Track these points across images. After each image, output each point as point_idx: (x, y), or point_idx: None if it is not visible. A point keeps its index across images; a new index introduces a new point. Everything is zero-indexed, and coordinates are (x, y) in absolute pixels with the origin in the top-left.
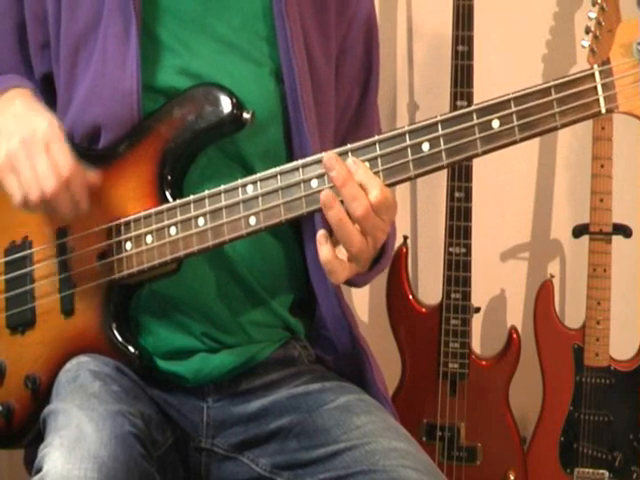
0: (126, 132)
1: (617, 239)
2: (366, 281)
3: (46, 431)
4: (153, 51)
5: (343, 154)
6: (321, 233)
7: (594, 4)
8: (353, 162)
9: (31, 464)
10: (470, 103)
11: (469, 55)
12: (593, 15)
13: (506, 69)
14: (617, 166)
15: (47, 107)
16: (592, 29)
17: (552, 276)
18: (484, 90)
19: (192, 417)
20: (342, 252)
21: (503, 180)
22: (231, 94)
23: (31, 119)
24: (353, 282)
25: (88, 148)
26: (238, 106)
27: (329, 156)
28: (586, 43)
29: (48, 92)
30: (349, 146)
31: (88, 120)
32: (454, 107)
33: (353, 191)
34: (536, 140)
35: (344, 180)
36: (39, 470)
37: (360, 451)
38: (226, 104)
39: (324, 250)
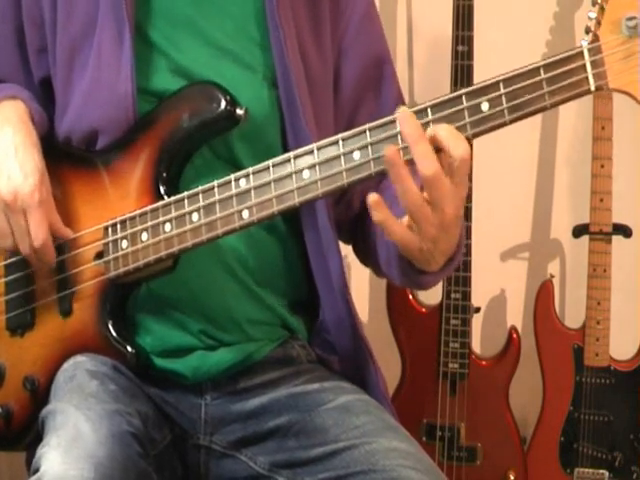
0: (122, 134)
1: (617, 239)
2: (435, 281)
3: (44, 431)
4: (147, 54)
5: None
6: (372, 198)
7: (594, 4)
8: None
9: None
10: None
11: (469, 55)
12: (593, 15)
13: (506, 69)
14: (617, 166)
15: (42, 116)
16: (592, 29)
17: (552, 276)
18: None
19: (190, 414)
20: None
21: (503, 180)
22: (224, 91)
23: (16, 171)
24: (422, 283)
25: (86, 149)
26: (232, 102)
27: (404, 111)
28: (586, 43)
29: (46, 96)
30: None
31: (85, 124)
32: None
33: (425, 149)
34: (536, 140)
35: (418, 137)
36: (37, 470)
37: (360, 451)
38: (220, 101)
39: (376, 214)
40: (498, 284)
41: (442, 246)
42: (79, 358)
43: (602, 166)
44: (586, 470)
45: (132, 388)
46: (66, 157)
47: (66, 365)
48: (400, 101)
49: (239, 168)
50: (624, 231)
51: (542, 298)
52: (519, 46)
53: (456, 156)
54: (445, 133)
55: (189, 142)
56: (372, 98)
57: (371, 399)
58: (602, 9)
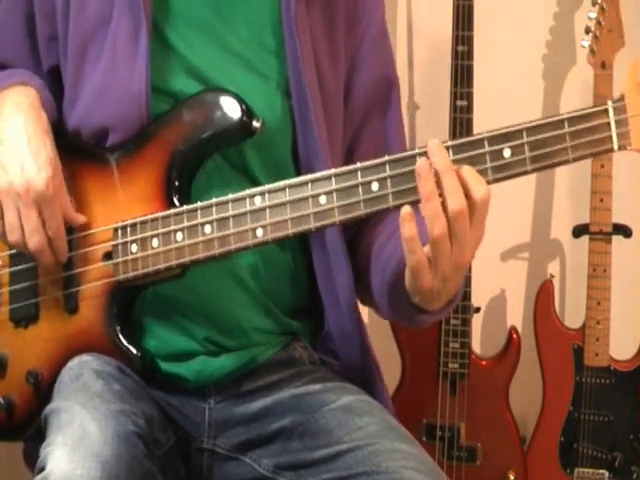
0: (134, 133)
1: (617, 239)
2: (430, 321)
3: (48, 429)
4: (162, 53)
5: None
6: (406, 210)
7: (594, 4)
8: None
9: (30, 458)
10: (470, 103)
11: (469, 55)
12: (593, 15)
13: (506, 69)
14: (617, 166)
15: (52, 104)
16: (592, 29)
17: (552, 276)
18: (484, 90)
19: (194, 417)
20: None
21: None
22: (241, 101)
23: (29, 161)
24: (418, 321)
25: (96, 145)
26: (248, 114)
27: (435, 142)
28: (586, 43)
29: (55, 85)
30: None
31: (96, 120)
32: (454, 107)
33: (455, 182)
34: None
35: (447, 168)
36: (42, 469)
37: (363, 452)
38: (236, 111)
39: (407, 227)
40: (498, 284)
41: (449, 287)
42: (85, 357)
43: (602, 166)
44: (586, 470)
45: (137, 389)
46: (77, 150)
47: (71, 364)
48: (401, 128)
49: (250, 176)
50: (624, 231)
51: (542, 298)
52: (519, 46)
53: (476, 197)
54: (468, 174)
55: (202, 149)
56: (378, 119)
57: (373, 400)
58: (602, 9)
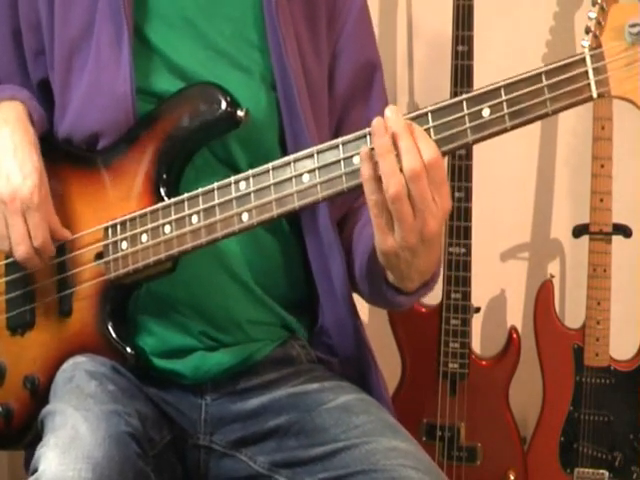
0: (122, 135)
1: (617, 239)
2: (407, 303)
3: (43, 432)
4: (145, 55)
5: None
6: (365, 150)
7: (594, 4)
8: (409, 123)
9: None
10: None
11: (469, 55)
12: (593, 15)
13: (506, 69)
14: (617, 166)
15: (41, 115)
16: (592, 29)
17: (552, 276)
18: None
19: (190, 414)
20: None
21: (503, 180)
22: (225, 92)
23: (15, 171)
24: (393, 301)
25: (86, 149)
26: (232, 104)
27: (390, 106)
28: (586, 43)
29: (45, 98)
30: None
31: (85, 127)
32: None
33: (410, 143)
34: (536, 140)
35: (403, 129)
36: (35, 470)
37: (360, 450)
38: (220, 102)
39: (365, 167)
40: (498, 284)
41: (420, 262)
42: (78, 359)
43: (602, 166)
44: (586, 470)
45: (131, 389)
46: (66, 157)
47: (65, 366)
48: (384, 106)
49: (239, 172)
50: (624, 231)
51: (542, 298)
52: (519, 46)
53: (427, 158)
54: (418, 133)
55: (189, 143)
56: (361, 103)
57: (371, 399)
58: (602, 9)
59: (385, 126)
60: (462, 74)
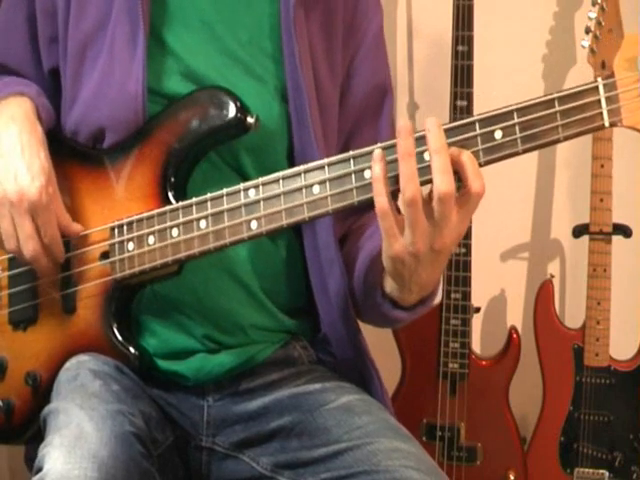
0: (130, 134)
1: (617, 239)
2: (403, 320)
3: (46, 430)
4: (160, 56)
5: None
6: (379, 152)
7: (594, 4)
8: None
9: (31, 461)
10: (470, 103)
11: (469, 55)
12: (593, 15)
13: (506, 69)
14: (617, 166)
15: (49, 112)
16: (592, 29)
17: (552, 276)
18: (484, 90)
19: (192, 416)
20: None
21: (503, 180)
22: (235, 98)
23: (23, 171)
24: (389, 315)
25: (93, 147)
26: (242, 110)
27: (432, 120)
28: (586, 43)
29: (55, 87)
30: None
31: (93, 121)
32: (454, 107)
33: (447, 163)
34: None
35: (440, 148)
36: (39, 470)
37: (362, 451)
38: (231, 107)
39: (376, 167)
40: (498, 284)
41: (423, 273)
42: (82, 357)
43: (602, 166)
44: (586, 470)
45: (135, 389)
46: (73, 153)
47: (69, 364)
48: (392, 134)
49: (245, 179)
50: (624, 231)
51: (542, 298)
52: (519, 46)
53: (472, 190)
54: (469, 163)
55: (197, 147)
56: (370, 125)
57: (372, 399)
58: (602, 9)
59: (410, 130)
60: (462, 74)
